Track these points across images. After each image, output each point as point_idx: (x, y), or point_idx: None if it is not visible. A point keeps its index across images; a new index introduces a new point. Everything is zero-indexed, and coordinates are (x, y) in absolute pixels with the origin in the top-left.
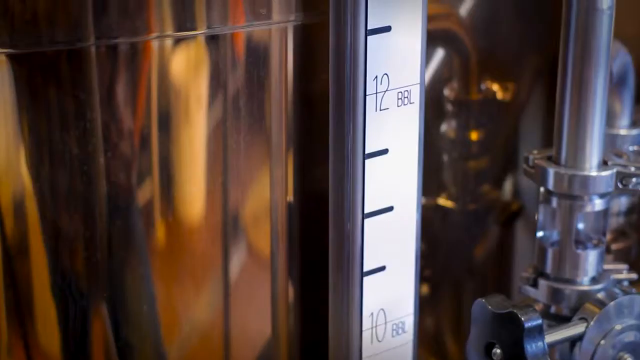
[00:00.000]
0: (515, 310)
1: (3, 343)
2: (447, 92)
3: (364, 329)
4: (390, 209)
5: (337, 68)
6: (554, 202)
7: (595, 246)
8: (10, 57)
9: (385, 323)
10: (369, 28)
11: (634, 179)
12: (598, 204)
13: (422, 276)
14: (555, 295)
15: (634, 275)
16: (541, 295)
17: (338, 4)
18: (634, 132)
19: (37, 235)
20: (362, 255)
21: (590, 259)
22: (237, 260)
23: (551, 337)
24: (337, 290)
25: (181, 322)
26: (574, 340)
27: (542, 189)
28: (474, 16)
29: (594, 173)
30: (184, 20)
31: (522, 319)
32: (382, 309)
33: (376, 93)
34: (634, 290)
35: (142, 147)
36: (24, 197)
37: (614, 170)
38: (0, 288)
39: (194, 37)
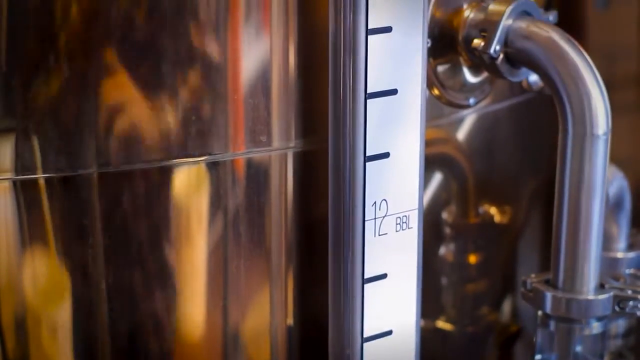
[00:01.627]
0: None
1: None
2: (445, 215)
3: None
4: (389, 332)
5: (336, 194)
6: (552, 325)
7: None
8: (14, 183)
9: None
10: (367, 154)
11: (631, 302)
12: (595, 327)
13: None
14: None
15: None
16: None
17: (337, 131)
18: (631, 255)
19: (39, 357)
20: None
21: None
22: None
23: None
24: None
25: None
26: None
27: (540, 313)
28: (471, 141)
29: (591, 297)
30: (186, 147)
31: None
32: None
33: (375, 218)
34: None
35: (143, 271)
36: (25, 318)
37: (611, 293)
38: None
39: (195, 163)
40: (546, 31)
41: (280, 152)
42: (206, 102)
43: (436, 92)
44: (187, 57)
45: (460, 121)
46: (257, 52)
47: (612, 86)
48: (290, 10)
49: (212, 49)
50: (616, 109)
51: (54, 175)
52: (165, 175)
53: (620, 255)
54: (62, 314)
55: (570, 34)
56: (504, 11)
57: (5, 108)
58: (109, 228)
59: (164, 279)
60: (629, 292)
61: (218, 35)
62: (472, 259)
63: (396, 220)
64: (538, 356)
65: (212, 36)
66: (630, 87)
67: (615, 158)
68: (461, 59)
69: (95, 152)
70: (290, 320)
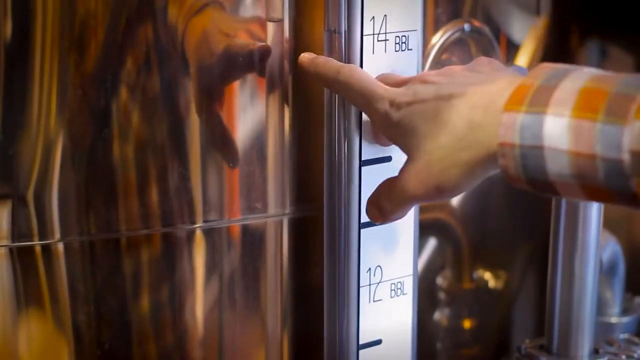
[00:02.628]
0: None
1: None
2: (440, 281)
3: None
4: None
5: (331, 260)
6: None
7: None
8: (10, 250)
9: None
10: (362, 221)
11: None
12: None
13: None
14: None
15: None
16: None
17: (332, 197)
18: (625, 320)
19: None
20: None
21: None
22: None
23: None
24: None
25: None
26: None
27: None
28: (465, 206)
29: None
30: (182, 215)
31: None
32: None
33: (369, 285)
34: None
35: (138, 337)
36: None
37: (605, 359)
38: None
39: (192, 230)
40: None
41: (275, 219)
42: (203, 170)
43: None
44: (182, 129)
45: None
46: (253, 119)
47: None
48: (285, 77)
49: (208, 117)
50: None
51: (50, 242)
52: (161, 242)
53: (614, 320)
54: None
55: None
56: None
57: (2, 175)
58: (105, 294)
59: (160, 343)
60: (623, 357)
61: (214, 103)
62: (467, 324)
63: (391, 286)
64: None
65: (207, 104)
66: None
67: (609, 221)
68: None
69: (94, 220)
70: None
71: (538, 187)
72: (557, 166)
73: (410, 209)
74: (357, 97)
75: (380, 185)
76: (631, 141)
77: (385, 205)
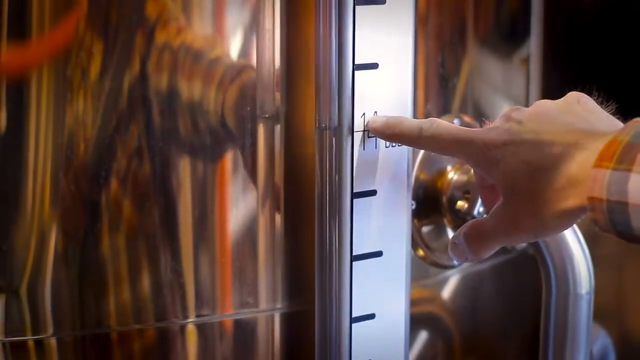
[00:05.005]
0: None
1: None
2: None
3: None
4: None
5: (323, 355)
6: None
7: None
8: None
9: None
10: (353, 316)
11: None
12: None
13: None
14: None
15: None
16: None
17: (323, 292)
18: None
19: None
20: None
21: None
22: None
23: None
24: None
25: None
26: None
27: None
28: (456, 300)
29: None
30: (174, 309)
31: None
32: None
33: None
34: None
35: None
36: None
37: None
38: None
39: (184, 324)
40: None
41: (267, 314)
42: (195, 264)
43: (421, 253)
44: (173, 223)
45: (445, 281)
46: (244, 213)
47: (595, 241)
48: (277, 171)
49: (200, 211)
50: (600, 264)
51: (43, 337)
52: (154, 336)
53: None
54: None
55: None
56: None
57: None
58: None
59: None
60: None
61: (205, 196)
62: None
63: None
64: None
65: (198, 198)
66: (613, 242)
67: (600, 313)
68: (445, 220)
69: (87, 315)
70: None
71: (628, 239)
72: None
73: (495, 250)
74: (449, 146)
75: (467, 225)
76: None
77: (472, 246)
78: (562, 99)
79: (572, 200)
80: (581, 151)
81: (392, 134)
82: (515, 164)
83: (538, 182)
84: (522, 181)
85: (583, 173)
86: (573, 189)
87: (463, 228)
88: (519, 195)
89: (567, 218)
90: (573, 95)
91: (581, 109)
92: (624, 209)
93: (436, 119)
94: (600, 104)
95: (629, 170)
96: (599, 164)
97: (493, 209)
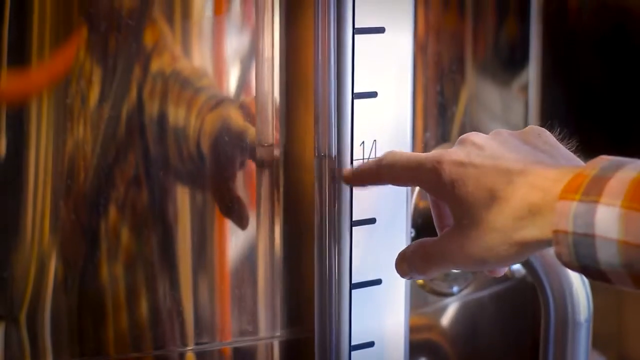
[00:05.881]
0: None
1: None
2: None
3: None
4: None
5: None
6: None
7: None
8: None
9: None
10: (352, 344)
11: None
12: None
13: None
14: None
15: None
16: None
17: (323, 320)
18: None
19: None
20: None
21: None
22: None
23: None
24: None
25: None
26: None
27: None
28: (455, 327)
29: None
30: (174, 337)
31: None
32: None
33: None
34: None
35: None
36: None
37: None
38: None
39: (184, 352)
40: None
41: (266, 342)
42: (194, 291)
43: (420, 280)
44: (172, 250)
45: (444, 308)
46: (243, 240)
47: None
48: (276, 199)
49: (199, 239)
50: (599, 291)
51: None
52: None
53: None
54: None
55: None
56: None
57: None
58: None
59: None
60: None
61: (204, 224)
62: None
63: None
64: None
65: (198, 226)
66: None
67: (599, 338)
68: None
69: (85, 343)
70: None
71: (590, 274)
72: (607, 255)
73: (442, 272)
74: (404, 172)
75: (416, 243)
76: None
77: (418, 264)
78: (521, 130)
79: (530, 231)
80: (544, 181)
81: (358, 175)
82: (471, 187)
83: (493, 208)
84: (476, 206)
85: (546, 204)
86: (533, 220)
87: (411, 246)
88: (471, 220)
89: (522, 249)
90: (534, 129)
91: (542, 142)
92: (590, 242)
93: (394, 150)
94: (561, 140)
95: (596, 202)
96: (564, 195)
97: (444, 231)
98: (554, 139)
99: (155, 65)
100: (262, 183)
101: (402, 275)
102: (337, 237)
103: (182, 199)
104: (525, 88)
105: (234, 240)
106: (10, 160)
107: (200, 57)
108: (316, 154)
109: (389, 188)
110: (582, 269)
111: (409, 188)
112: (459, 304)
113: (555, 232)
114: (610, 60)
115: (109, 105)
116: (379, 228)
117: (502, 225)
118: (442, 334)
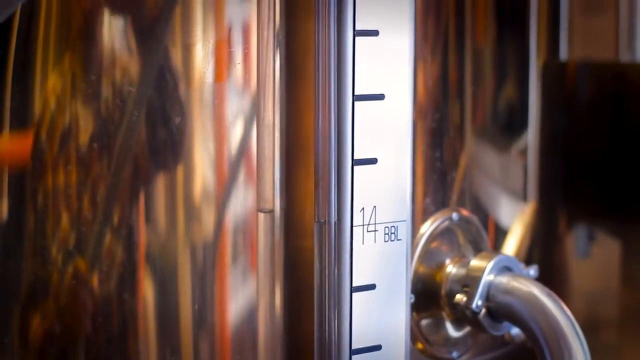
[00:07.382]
0: None
1: None
2: None
3: None
4: None
5: None
6: None
7: None
8: None
9: None
10: None
11: None
12: None
13: None
14: None
15: None
16: None
17: None
18: None
19: None
20: None
21: None
22: None
23: None
24: None
25: None
26: None
27: None
28: None
29: None
30: None
31: None
32: None
33: None
34: None
35: None
36: None
37: None
38: None
39: None
40: (527, 286)
41: None
42: (194, 359)
43: (420, 346)
44: (173, 316)
45: None
46: (244, 306)
47: (594, 329)
48: (276, 265)
49: (200, 304)
50: (598, 354)
51: None
52: None
53: None
54: None
55: (552, 282)
56: (485, 267)
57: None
58: None
59: None
60: None
61: (205, 289)
62: None
63: None
64: None
65: (199, 291)
66: (612, 330)
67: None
68: (444, 314)
69: None
70: None
71: None
72: None
73: None
74: None
75: None
76: None
77: None
78: None
79: None
80: None
81: None
82: None
83: None
84: None
85: None
86: None
87: None
88: None
89: None
90: None
91: None
92: None
93: None
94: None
95: None
96: None
97: None
98: None
99: None
100: (262, 248)
101: None
102: (337, 303)
103: (183, 264)
104: (524, 152)
105: (235, 306)
106: (12, 226)
107: (201, 122)
108: (316, 220)
109: (390, 254)
110: None
111: (409, 253)
112: None
113: None
114: (608, 124)
115: (112, 173)
116: (379, 294)
117: None
118: None
